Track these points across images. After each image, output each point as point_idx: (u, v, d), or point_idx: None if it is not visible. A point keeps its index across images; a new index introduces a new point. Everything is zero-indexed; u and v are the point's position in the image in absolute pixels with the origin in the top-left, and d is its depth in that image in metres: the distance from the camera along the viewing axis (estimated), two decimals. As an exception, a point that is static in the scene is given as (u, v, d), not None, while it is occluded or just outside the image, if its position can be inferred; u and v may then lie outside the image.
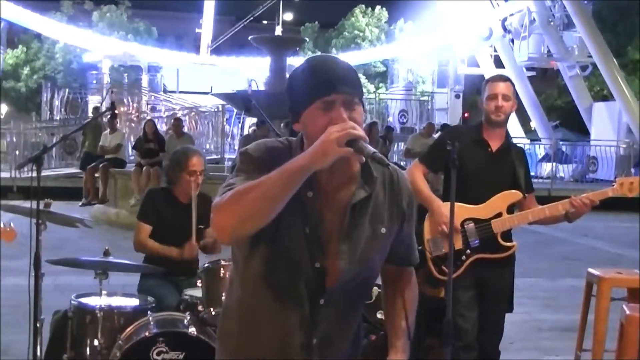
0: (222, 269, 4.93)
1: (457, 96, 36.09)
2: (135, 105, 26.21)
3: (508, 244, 4.99)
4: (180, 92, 34.87)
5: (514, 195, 4.96)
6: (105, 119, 19.26)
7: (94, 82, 35.27)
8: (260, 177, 2.38)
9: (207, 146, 22.63)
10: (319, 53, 44.30)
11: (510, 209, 4.99)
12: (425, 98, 34.63)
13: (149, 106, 27.79)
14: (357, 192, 2.59)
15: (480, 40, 34.59)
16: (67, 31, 37.39)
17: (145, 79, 37.26)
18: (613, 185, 5.01)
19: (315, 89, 2.49)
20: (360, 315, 2.81)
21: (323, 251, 2.57)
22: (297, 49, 31.30)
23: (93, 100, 29.24)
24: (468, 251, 4.94)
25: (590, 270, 6.45)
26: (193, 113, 24.20)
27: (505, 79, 5.11)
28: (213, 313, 4.81)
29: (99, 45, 37.02)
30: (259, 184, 2.36)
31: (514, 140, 5.46)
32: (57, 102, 29.08)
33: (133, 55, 37.39)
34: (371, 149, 2.36)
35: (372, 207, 2.63)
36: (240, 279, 2.71)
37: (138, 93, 27.77)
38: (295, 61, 30.26)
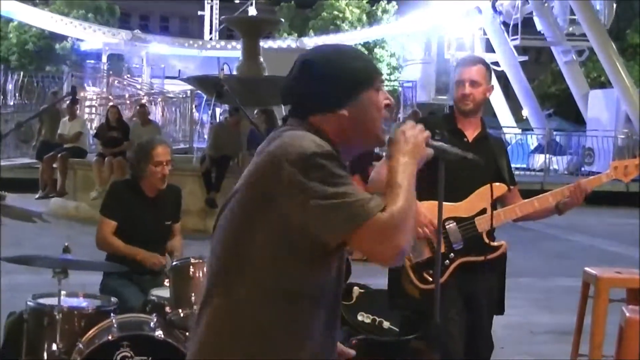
0: (191, 267, 4.92)
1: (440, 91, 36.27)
2: (97, 90, 26.07)
3: (496, 243, 4.83)
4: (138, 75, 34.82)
5: (499, 188, 4.82)
6: (64, 105, 19.10)
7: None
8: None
9: (175, 135, 22.57)
10: (295, 35, 44.41)
11: (494, 205, 4.85)
12: (410, 85, 34.66)
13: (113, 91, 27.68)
14: None
15: (469, 22, 34.70)
16: (22, 9, 37.04)
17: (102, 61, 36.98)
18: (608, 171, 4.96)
19: (372, 68, 2.59)
20: None
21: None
22: (272, 30, 31.30)
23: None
24: (452, 255, 4.74)
25: (587, 269, 6.45)
26: (160, 99, 24.11)
27: (477, 61, 4.97)
28: (182, 315, 4.79)
29: (58, 26, 36.77)
30: (409, 192, 2.39)
31: (499, 131, 5.41)
32: (10, 86, 28.84)
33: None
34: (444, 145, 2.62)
35: None
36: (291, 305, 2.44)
37: (101, 77, 27.60)
38: (270, 44, 30.27)
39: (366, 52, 43.82)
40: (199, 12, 47.16)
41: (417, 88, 34.01)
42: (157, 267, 5.71)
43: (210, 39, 44.19)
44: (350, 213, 2.28)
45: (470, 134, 4.91)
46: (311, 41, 37.74)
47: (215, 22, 44.75)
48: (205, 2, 46.37)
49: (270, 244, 2.37)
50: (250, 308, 2.41)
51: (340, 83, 2.51)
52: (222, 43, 40.41)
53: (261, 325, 2.40)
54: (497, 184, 4.83)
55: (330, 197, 2.29)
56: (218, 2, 45.86)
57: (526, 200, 4.92)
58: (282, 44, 36.35)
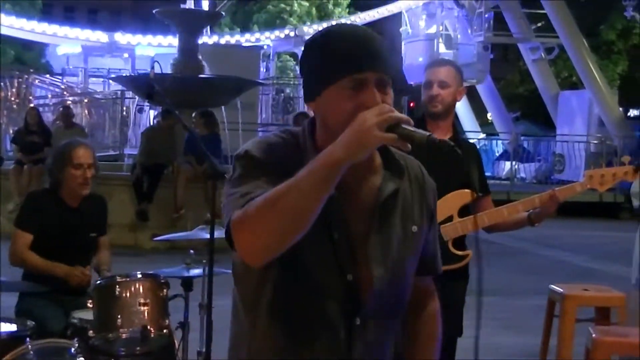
0: (117, 286, 4.91)
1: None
2: (14, 90, 25.77)
3: (462, 252, 4.96)
4: (71, 75, 34.43)
5: (465, 195, 4.92)
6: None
7: None
8: (272, 184, 2.33)
9: (104, 140, 22.43)
10: (238, 30, 44.38)
11: (463, 213, 4.97)
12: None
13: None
14: (384, 185, 2.58)
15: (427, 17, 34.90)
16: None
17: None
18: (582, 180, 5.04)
19: (346, 62, 2.44)
20: (399, 329, 2.77)
21: (354, 259, 2.53)
22: (212, 25, 31.18)
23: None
24: None
25: (553, 286, 6.53)
26: (86, 100, 23.94)
27: (446, 62, 5.17)
28: (106, 339, 4.77)
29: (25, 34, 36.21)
30: (289, 188, 2.27)
31: (467, 135, 5.46)
32: None
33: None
34: (424, 132, 2.31)
35: (402, 202, 2.64)
36: (248, 316, 2.62)
37: (19, 75, 27.28)
38: (209, 40, 30.19)
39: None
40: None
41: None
42: (84, 282, 5.67)
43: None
44: (227, 210, 2.41)
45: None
46: (253, 37, 37.68)
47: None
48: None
49: None
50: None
51: (307, 71, 2.56)
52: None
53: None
54: (464, 190, 4.92)
55: (228, 196, 2.45)
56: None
57: (495, 208, 5.03)
58: (222, 39, 36.17)
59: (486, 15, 33.36)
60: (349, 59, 2.43)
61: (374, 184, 2.58)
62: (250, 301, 2.60)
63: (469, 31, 34.58)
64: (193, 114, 14.99)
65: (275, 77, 34.41)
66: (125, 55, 35.88)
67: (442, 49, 35.37)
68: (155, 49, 33.92)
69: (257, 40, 36.53)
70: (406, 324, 2.86)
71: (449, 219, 4.93)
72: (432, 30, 35.13)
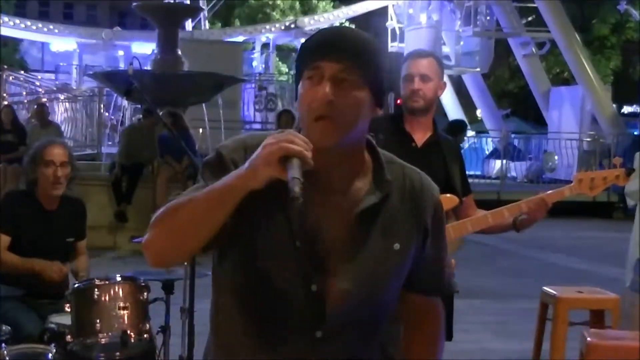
0: (95, 289, 4.90)
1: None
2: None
3: None
4: (46, 71, 34.38)
5: (449, 200, 4.83)
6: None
7: None
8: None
9: (81, 138, 22.37)
10: (218, 25, 44.33)
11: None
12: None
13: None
14: (366, 196, 2.53)
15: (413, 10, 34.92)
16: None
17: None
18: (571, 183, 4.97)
19: (306, 55, 2.48)
20: (375, 353, 2.69)
21: (321, 269, 2.50)
22: (192, 19, 31.19)
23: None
24: None
25: (545, 288, 6.54)
26: (63, 97, 23.87)
27: (427, 54, 5.01)
28: (84, 344, 4.76)
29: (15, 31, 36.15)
30: (189, 201, 2.39)
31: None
32: None
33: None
34: (294, 172, 2.27)
35: (385, 216, 2.56)
36: (211, 321, 2.67)
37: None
38: (188, 35, 30.16)
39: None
40: None
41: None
42: (59, 278, 5.64)
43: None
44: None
45: (420, 137, 4.93)
46: (236, 31, 37.72)
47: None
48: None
49: None
50: None
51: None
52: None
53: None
54: (447, 195, 4.81)
55: None
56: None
57: (479, 214, 4.94)
58: (202, 34, 36.14)
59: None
60: (309, 50, 2.47)
61: (357, 192, 2.54)
62: (220, 302, 2.63)
63: (457, 27, 34.61)
64: (161, 113, 14.94)
65: (257, 73, 34.38)
66: (121, 52, 35.82)
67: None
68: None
69: (251, 33, 36.68)
70: (404, 343, 2.83)
71: None
72: (423, 20, 35.12)
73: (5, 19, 35.17)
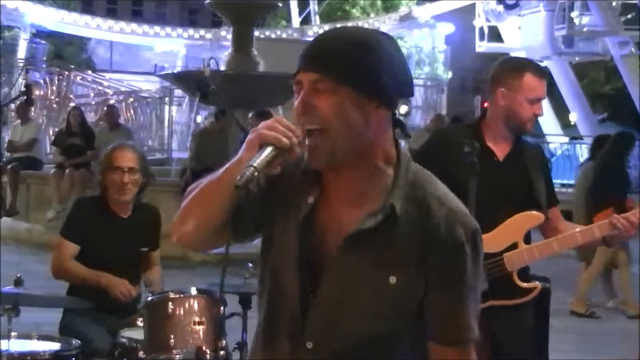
0: (170, 303, 4.91)
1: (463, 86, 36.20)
2: (54, 88, 26.02)
3: (528, 285, 4.81)
4: (114, 71, 34.75)
5: (532, 218, 4.78)
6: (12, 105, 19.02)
7: None
8: None
9: (150, 142, 22.54)
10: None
11: (528, 236, 4.83)
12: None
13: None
14: (365, 219, 2.51)
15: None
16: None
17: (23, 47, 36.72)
18: None
19: (299, 62, 2.56)
20: None
21: (317, 283, 2.56)
22: (268, 17, 31.29)
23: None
24: None
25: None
26: (131, 99, 24.10)
27: (545, 72, 4.95)
28: (159, 360, 4.78)
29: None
30: (203, 180, 2.63)
31: (541, 140, 5.28)
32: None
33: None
34: (251, 168, 2.41)
35: (382, 244, 2.52)
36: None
37: (59, 72, 27.53)
38: (266, 33, 30.27)
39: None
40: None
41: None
42: (125, 298, 5.66)
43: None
44: None
45: (501, 150, 4.88)
46: (313, 29, 37.77)
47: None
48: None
49: None
50: None
51: None
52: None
53: None
54: (531, 212, 4.78)
55: None
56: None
57: (568, 232, 4.87)
58: (312, 29, 36.40)
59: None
60: (300, 59, 2.56)
61: (361, 210, 2.54)
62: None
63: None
64: (250, 115, 14.98)
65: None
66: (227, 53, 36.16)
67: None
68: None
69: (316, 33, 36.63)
70: None
71: (513, 246, 4.76)
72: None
73: (111, 23, 35.87)
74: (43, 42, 37.95)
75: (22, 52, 35.86)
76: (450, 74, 38.57)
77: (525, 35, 35.94)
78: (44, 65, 30.64)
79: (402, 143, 2.65)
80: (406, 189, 2.53)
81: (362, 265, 2.52)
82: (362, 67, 2.47)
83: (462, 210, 2.59)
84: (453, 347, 2.63)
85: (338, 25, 2.83)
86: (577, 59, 35.41)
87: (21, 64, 29.58)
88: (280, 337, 2.62)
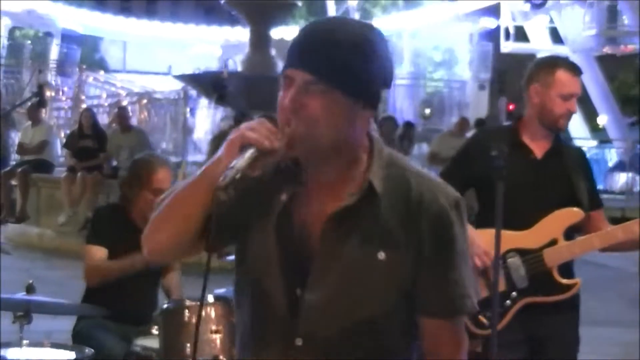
0: (186, 311, 4.91)
1: (482, 87, 36.12)
2: (66, 89, 26.11)
3: (568, 281, 4.86)
4: (128, 71, 34.81)
5: (572, 214, 4.84)
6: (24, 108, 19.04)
7: None
8: None
9: (164, 145, 22.57)
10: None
11: (569, 234, 4.88)
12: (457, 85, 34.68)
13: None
14: (345, 200, 2.59)
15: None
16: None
17: (55, 51, 36.86)
18: None
19: (285, 61, 2.59)
20: None
21: (305, 274, 2.60)
22: (286, 15, 31.31)
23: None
24: (514, 294, 4.82)
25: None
26: (145, 101, 24.16)
27: (580, 69, 4.99)
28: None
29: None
30: (176, 187, 2.68)
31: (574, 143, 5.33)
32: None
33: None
34: (234, 170, 2.43)
35: (366, 221, 2.59)
36: None
37: (72, 72, 27.64)
38: (283, 33, 30.32)
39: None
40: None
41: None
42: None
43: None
44: None
45: (540, 148, 4.93)
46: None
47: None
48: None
49: None
50: None
51: None
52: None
53: None
54: (570, 208, 4.84)
55: None
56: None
57: (608, 229, 4.91)
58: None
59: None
60: (286, 58, 2.58)
61: (342, 194, 2.60)
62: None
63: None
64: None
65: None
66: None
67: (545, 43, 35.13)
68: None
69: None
70: None
71: (552, 242, 4.81)
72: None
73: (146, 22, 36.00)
74: (74, 46, 38.05)
75: (54, 55, 35.91)
76: (489, 74, 38.29)
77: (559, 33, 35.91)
78: (77, 70, 30.59)
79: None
80: (382, 167, 2.61)
81: (349, 245, 2.58)
82: (355, 72, 2.52)
83: (442, 182, 2.70)
84: (448, 318, 2.71)
85: (328, 17, 2.83)
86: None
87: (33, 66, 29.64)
88: (267, 341, 2.65)
